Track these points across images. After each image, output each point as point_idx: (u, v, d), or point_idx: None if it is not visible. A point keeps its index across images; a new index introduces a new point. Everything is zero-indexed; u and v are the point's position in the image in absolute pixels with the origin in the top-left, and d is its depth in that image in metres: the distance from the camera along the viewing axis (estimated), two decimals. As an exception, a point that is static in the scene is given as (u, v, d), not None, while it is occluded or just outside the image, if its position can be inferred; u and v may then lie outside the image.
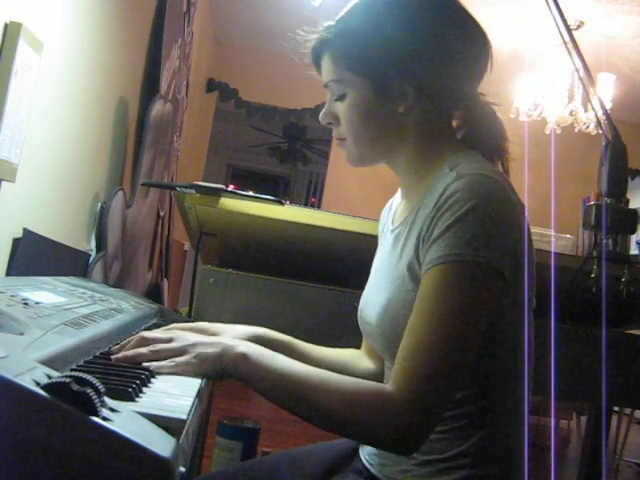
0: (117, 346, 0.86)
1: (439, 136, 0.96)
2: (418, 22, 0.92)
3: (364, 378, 0.86)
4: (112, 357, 0.81)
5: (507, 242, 0.84)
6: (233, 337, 1.00)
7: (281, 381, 0.82)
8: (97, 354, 0.81)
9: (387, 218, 1.09)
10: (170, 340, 0.86)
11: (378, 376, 1.08)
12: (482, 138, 0.97)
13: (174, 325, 1.02)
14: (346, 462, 1.03)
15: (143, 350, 0.83)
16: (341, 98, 0.95)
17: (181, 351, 0.83)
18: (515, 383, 0.90)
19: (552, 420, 3.41)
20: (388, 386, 0.81)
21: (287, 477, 1.03)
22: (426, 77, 0.91)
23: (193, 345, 0.84)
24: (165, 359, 0.82)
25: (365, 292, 1.05)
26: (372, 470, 0.96)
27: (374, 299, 0.97)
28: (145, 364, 0.80)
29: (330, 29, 0.94)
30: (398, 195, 1.09)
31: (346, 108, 0.95)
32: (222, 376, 0.83)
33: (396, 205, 1.07)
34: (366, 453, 1.00)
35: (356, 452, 1.03)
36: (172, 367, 0.80)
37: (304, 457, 1.08)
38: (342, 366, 1.09)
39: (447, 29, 0.93)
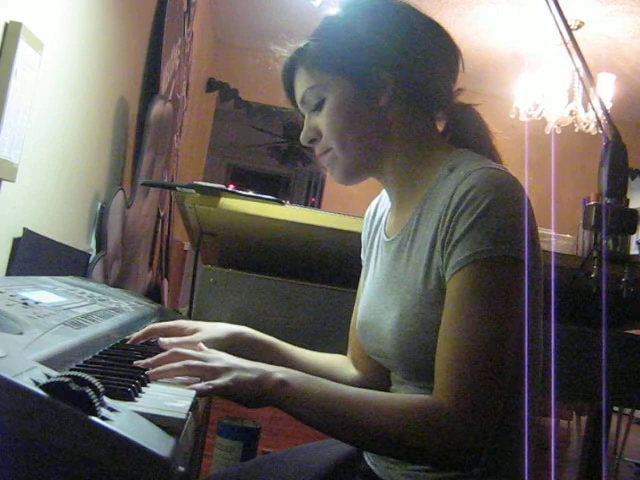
0: (143, 361, 0.80)
1: (425, 136, 0.95)
2: (388, 23, 0.93)
3: (349, 385, 0.84)
4: (146, 373, 0.75)
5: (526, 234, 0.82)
6: (213, 335, 0.97)
7: (324, 405, 0.79)
8: (96, 354, 0.81)
9: (371, 227, 1.07)
10: (204, 359, 0.81)
11: (363, 384, 1.05)
12: (471, 139, 0.95)
13: (153, 326, 0.99)
14: (350, 464, 1.02)
15: (177, 365, 0.78)
16: (319, 107, 0.94)
17: (216, 372, 0.78)
18: (528, 396, 0.88)
19: (552, 420, 3.41)
20: (434, 399, 0.79)
21: (290, 477, 1.02)
22: (402, 66, 0.91)
23: (229, 368, 0.79)
24: (199, 377, 0.78)
25: (365, 308, 0.99)
26: (377, 472, 0.95)
27: (381, 316, 0.93)
28: (180, 378, 0.75)
29: (302, 42, 0.95)
30: (382, 202, 1.07)
31: (327, 114, 0.93)
32: (258, 403, 0.79)
33: (384, 214, 1.04)
34: (370, 455, 0.98)
35: (359, 453, 1.02)
36: (210, 389, 0.76)
37: (306, 456, 1.07)
38: (329, 371, 1.07)
39: (416, 26, 0.93)
